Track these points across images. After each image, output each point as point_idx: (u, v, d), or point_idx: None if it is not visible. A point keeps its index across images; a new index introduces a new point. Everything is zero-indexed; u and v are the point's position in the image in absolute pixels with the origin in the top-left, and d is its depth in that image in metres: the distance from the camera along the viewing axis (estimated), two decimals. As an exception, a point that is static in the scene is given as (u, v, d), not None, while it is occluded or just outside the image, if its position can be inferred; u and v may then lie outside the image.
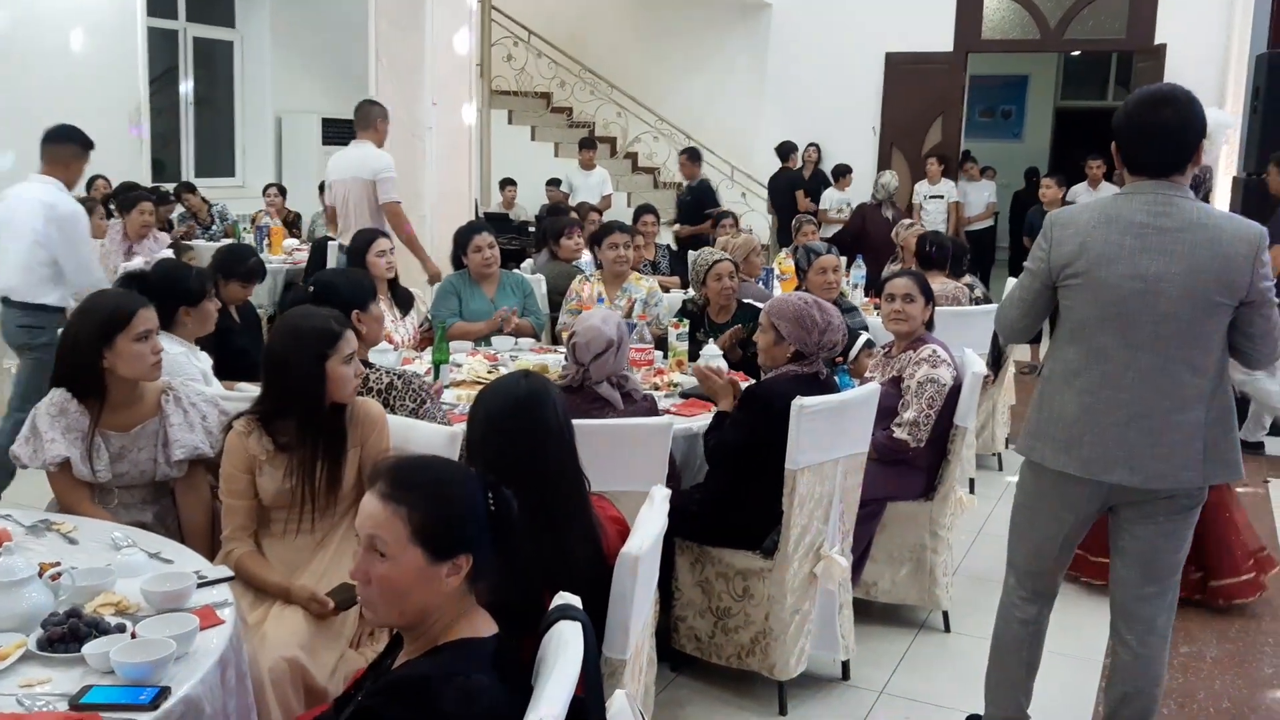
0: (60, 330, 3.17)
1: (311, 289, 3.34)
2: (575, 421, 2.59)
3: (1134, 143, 2.64)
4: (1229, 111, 9.72)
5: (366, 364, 3.19)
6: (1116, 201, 2.66)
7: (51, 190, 4.88)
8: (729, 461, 3.41)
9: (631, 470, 2.97)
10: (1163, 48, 10.07)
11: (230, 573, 2.39)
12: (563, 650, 1.65)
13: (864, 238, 8.84)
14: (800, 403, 3.17)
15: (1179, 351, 2.59)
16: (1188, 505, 2.72)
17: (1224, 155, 9.62)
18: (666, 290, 6.29)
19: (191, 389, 2.99)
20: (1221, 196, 9.14)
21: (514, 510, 1.75)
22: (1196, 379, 2.61)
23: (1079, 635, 3.85)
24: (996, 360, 6.03)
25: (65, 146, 5.00)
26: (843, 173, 10.64)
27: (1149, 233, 2.58)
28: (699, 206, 9.17)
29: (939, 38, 11.18)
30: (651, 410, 3.32)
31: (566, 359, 3.49)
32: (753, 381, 3.93)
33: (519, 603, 1.83)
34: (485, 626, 1.72)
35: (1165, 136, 2.60)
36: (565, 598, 1.79)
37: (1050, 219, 2.76)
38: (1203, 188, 5.84)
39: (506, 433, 2.17)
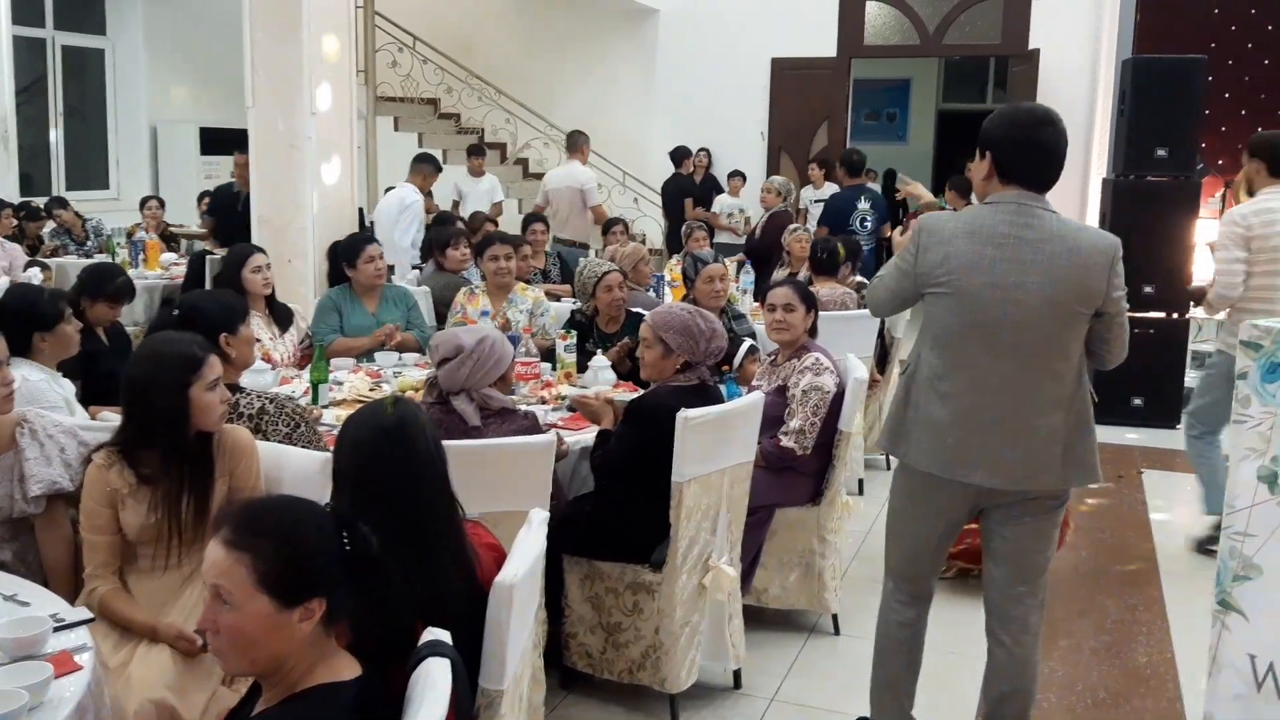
0: None
1: (176, 312, 3.22)
2: (454, 443, 2.55)
3: (1014, 157, 2.69)
4: (1099, 114, 10.09)
5: (236, 389, 3.09)
6: (982, 212, 2.72)
7: (405, 189, 7.52)
8: (617, 477, 3.40)
9: (514, 491, 2.93)
10: (1036, 53, 10.39)
11: (89, 615, 2.29)
12: (430, 689, 1.61)
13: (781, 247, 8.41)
14: (685, 415, 3.17)
15: (1039, 359, 2.67)
16: (1052, 506, 2.80)
17: (1095, 157, 9.99)
18: (558, 299, 6.26)
19: (49, 420, 2.86)
20: (1092, 198, 9.47)
21: (372, 547, 1.70)
22: (1056, 385, 2.68)
23: (961, 633, 3.91)
24: (883, 360, 6.14)
25: (422, 165, 7.77)
26: (733, 176, 10.72)
27: (1010, 243, 2.64)
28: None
29: (823, 44, 11.35)
30: (533, 428, 3.27)
31: None
32: (637, 394, 3.92)
33: (388, 638, 1.78)
34: (347, 669, 1.67)
35: (1046, 155, 2.69)
36: (434, 633, 1.75)
37: (920, 224, 2.79)
38: None
39: (374, 461, 2.11)
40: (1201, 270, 7.81)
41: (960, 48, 11.71)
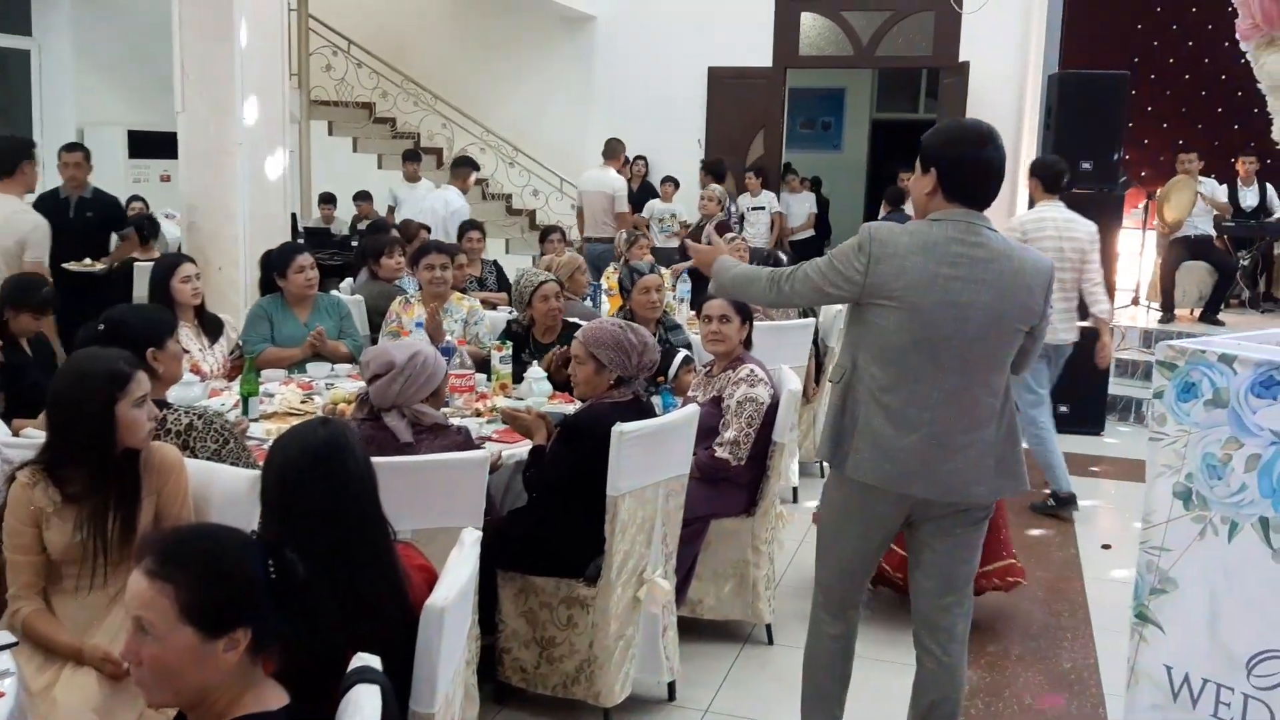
0: None
1: (102, 327, 3.15)
2: (385, 460, 2.53)
3: (960, 176, 2.72)
4: (1025, 128, 10.30)
5: (163, 405, 3.04)
6: (933, 228, 2.73)
7: (449, 191, 8.51)
8: (552, 494, 3.40)
9: (446, 508, 2.92)
10: (966, 65, 10.58)
11: (13, 639, 2.25)
12: (358, 716, 1.61)
13: None
14: (620, 429, 3.18)
15: (980, 374, 2.72)
16: (980, 517, 2.86)
17: (1022, 169, 10.18)
18: (494, 307, 6.24)
19: (-31, 437, 2.80)
20: (1020, 209, 9.64)
21: (298, 574, 1.69)
22: (990, 399, 2.74)
23: (888, 641, 3.97)
24: (818, 368, 6.19)
25: (460, 169, 8.80)
26: (665, 182, 10.76)
27: (963, 263, 2.68)
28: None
29: (759, 54, 11.47)
30: (465, 444, 3.26)
31: None
32: (571, 405, 3.93)
33: (317, 665, 1.77)
34: (274, 699, 1.66)
35: (990, 174, 2.74)
36: (363, 659, 1.74)
37: (869, 233, 2.74)
38: None
39: (302, 485, 2.09)
40: (1124, 279, 8.02)
41: (893, 59, 11.90)
